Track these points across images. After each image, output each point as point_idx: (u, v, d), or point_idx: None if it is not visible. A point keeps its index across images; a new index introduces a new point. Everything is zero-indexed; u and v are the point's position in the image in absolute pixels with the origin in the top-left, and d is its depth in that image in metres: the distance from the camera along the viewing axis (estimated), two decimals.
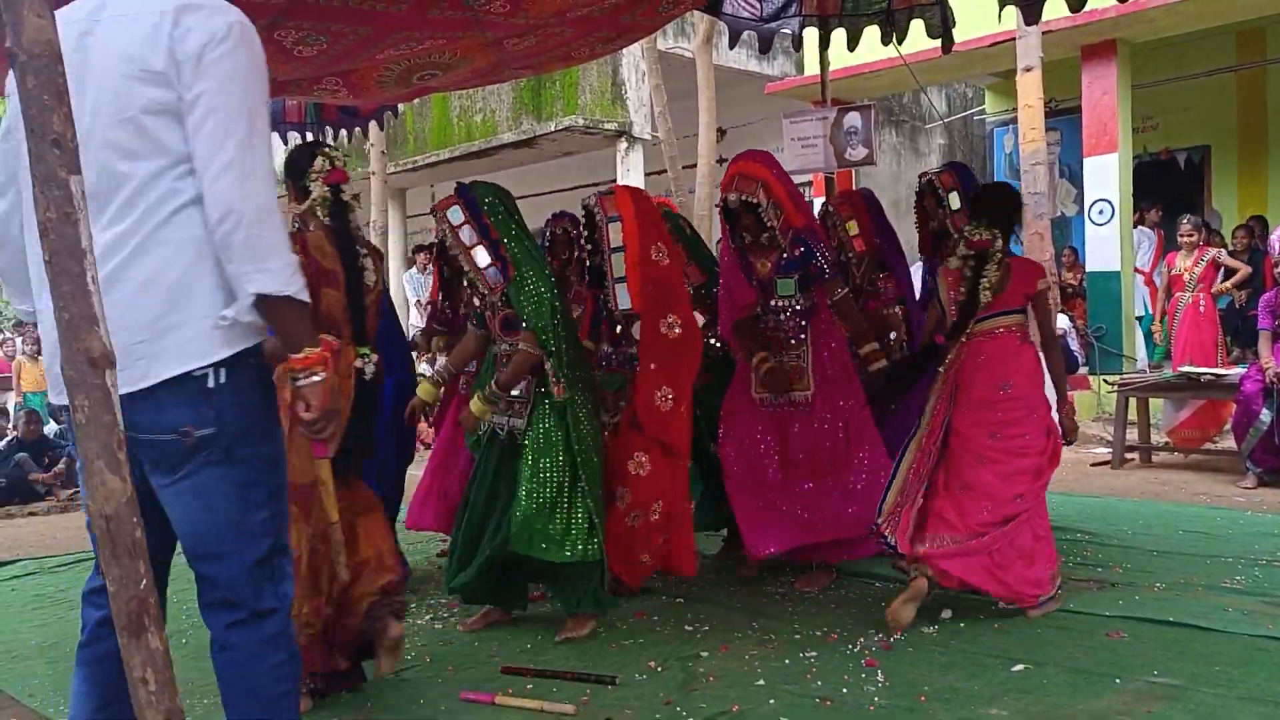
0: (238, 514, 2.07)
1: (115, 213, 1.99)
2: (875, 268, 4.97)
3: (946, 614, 3.92)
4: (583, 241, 4.27)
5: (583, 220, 4.28)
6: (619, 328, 4.29)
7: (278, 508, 2.16)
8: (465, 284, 4.28)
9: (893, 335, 5.00)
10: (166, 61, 1.97)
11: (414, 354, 6.04)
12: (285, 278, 2.02)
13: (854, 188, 5.24)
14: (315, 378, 2.07)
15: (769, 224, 4.39)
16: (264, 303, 2.02)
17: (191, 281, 2.01)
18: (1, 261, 2.25)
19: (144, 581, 1.63)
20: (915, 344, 4.77)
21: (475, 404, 3.95)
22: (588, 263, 4.30)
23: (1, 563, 6.14)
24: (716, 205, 4.64)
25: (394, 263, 14.89)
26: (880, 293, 4.96)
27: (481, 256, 3.83)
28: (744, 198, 4.36)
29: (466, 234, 3.84)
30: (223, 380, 2.03)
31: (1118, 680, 3.18)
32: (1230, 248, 10.54)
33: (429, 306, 5.85)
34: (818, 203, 12.09)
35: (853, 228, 4.93)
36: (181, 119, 1.99)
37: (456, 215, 3.87)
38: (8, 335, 14.48)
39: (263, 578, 2.11)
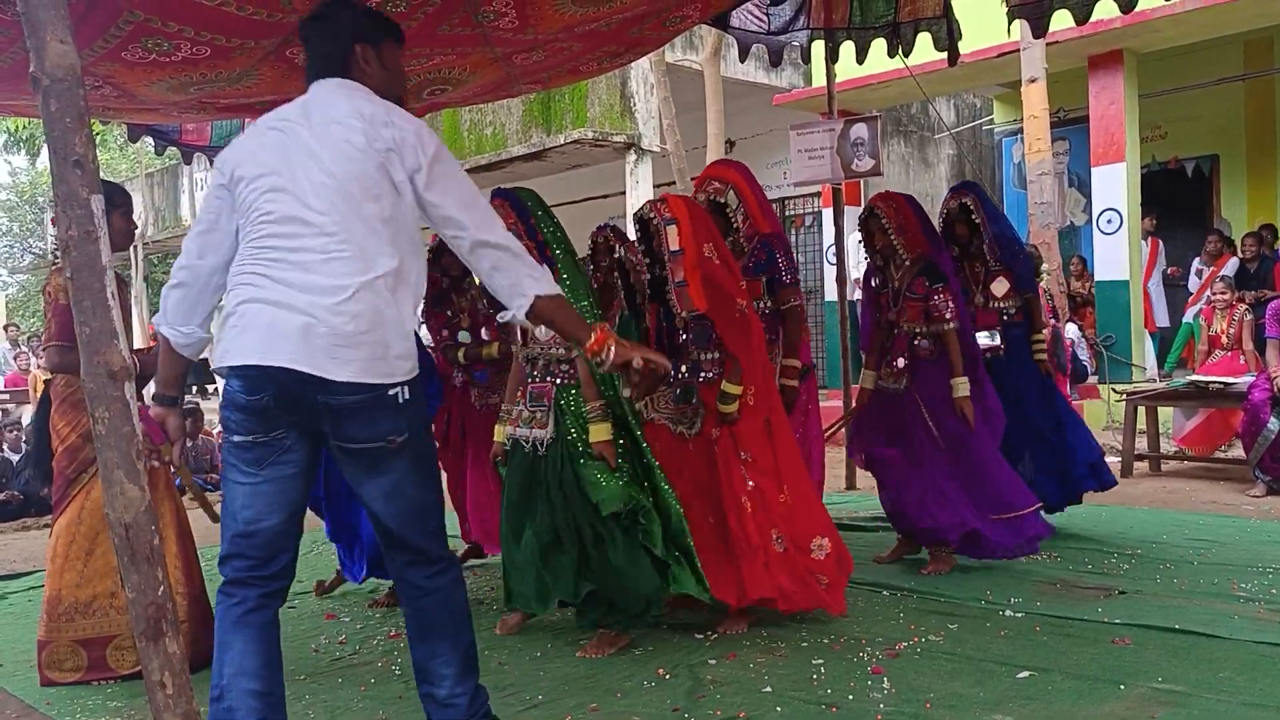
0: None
1: None
2: (924, 272, 4.85)
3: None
4: (640, 255, 4.20)
5: (638, 233, 4.20)
6: (681, 336, 4.20)
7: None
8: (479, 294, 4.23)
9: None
10: None
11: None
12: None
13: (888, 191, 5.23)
14: (610, 352, 2.65)
15: (735, 225, 4.49)
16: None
17: None
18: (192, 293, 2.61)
19: (161, 588, 1.68)
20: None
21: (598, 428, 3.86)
22: (646, 276, 4.23)
23: (18, 574, 6.20)
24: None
25: None
26: (935, 310, 4.79)
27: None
28: (712, 197, 4.48)
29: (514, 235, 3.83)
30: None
31: (1122, 687, 3.20)
32: (1240, 256, 10.55)
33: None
34: (827, 213, 12.21)
35: (900, 230, 4.86)
36: None
37: (503, 216, 3.78)
38: (23, 349, 14.57)
39: (441, 537, 2.72)
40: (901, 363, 4.92)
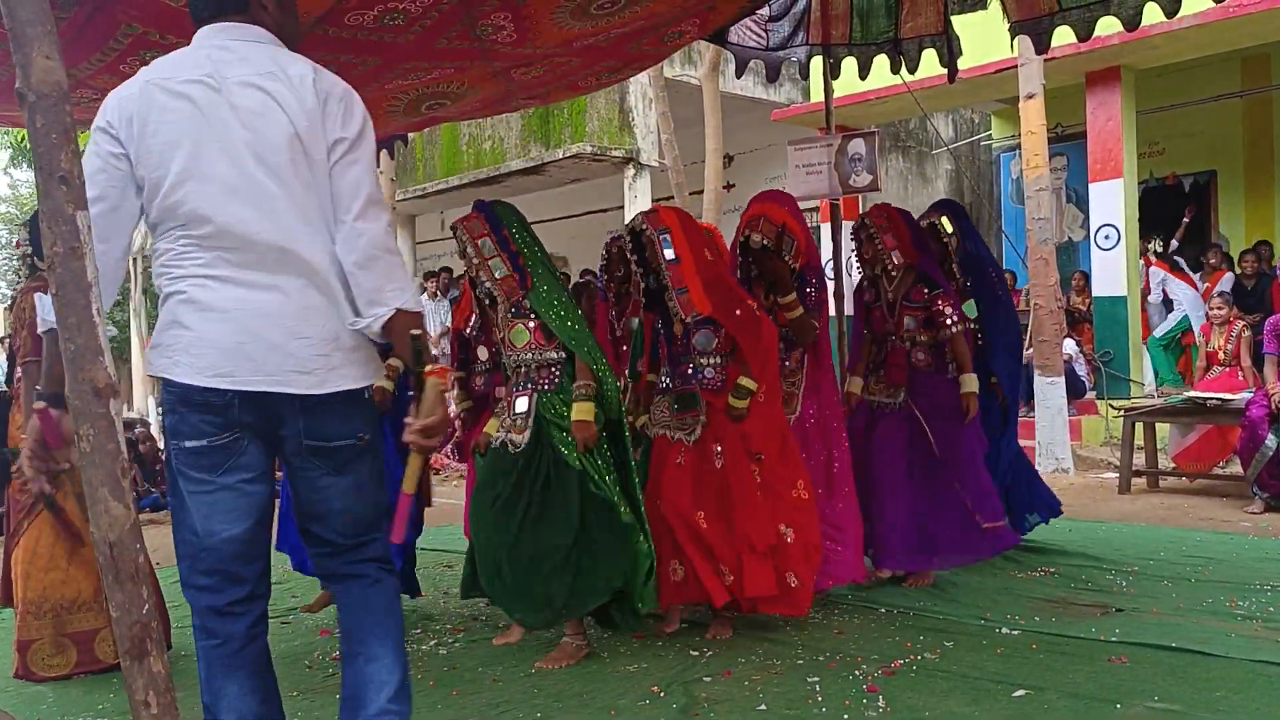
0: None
1: None
2: (918, 280, 4.91)
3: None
4: (634, 265, 4.29)
5: (629, 244, 4.27)
6: (679, 342, 4.22)
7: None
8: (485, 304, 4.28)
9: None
10: None
11: None
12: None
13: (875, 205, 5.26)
14: (436, 391, 2.31)
15: (793, 265, 4.47)
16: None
17: None
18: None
19: (146, 606, 1.67)
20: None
21: (579, 410, 3.89)
22: (643, 285, 4.33)
23: None
24: (737, 241, 4.61)
25: None
26: (939, 315, 4.82)
27: (499, 267, 3.92)
28: (766, 242, 4.44)
29: (486, 245, 3.94)
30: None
31: (1118, 705, 3.18)
32: (1238, 272, 10.56)
33: (454, 334, 5.75)
34: (825, 229, 12.21)
35: (889, 240, 4.91)
36: None
37: (477, 228, 3.98)
38: None
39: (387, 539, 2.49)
40: (898, 375, 4.92)
